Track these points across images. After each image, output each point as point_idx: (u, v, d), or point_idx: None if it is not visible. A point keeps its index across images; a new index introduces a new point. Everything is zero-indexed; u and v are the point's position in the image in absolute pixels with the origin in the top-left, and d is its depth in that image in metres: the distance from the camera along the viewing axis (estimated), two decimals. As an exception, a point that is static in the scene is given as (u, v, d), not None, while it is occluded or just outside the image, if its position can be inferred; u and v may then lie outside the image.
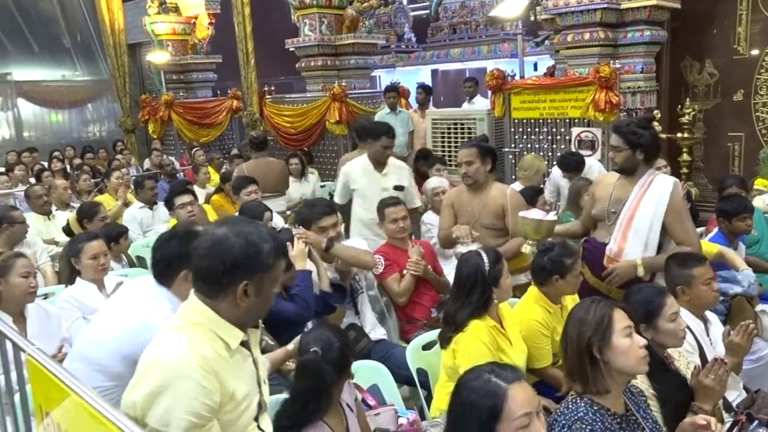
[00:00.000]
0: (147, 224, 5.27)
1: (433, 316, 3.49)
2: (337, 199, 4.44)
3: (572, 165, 4.82)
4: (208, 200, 5.96)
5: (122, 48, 10.41)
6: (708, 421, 1.90)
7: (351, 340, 2.63)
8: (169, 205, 4.50)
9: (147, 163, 9.02)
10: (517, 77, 6.41)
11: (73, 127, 11.97)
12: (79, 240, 3.21)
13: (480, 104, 7.56)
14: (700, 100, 5.96)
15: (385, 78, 11.93)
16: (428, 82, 11.02)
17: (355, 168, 4.32)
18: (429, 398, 2.74)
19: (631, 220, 2.96)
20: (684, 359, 2.32)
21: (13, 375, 2.05)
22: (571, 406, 1.84)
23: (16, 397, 2.08)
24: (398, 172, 4.35)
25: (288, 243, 2.82)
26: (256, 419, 1.73)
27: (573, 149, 5.65)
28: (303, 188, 6.57)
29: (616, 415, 1.85)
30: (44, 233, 4.76)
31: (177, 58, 10.26)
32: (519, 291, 3.14)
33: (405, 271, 3.48)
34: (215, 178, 7.20)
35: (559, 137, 5.95)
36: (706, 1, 5.81)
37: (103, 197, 5.91)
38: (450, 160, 6.50)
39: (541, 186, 4.96)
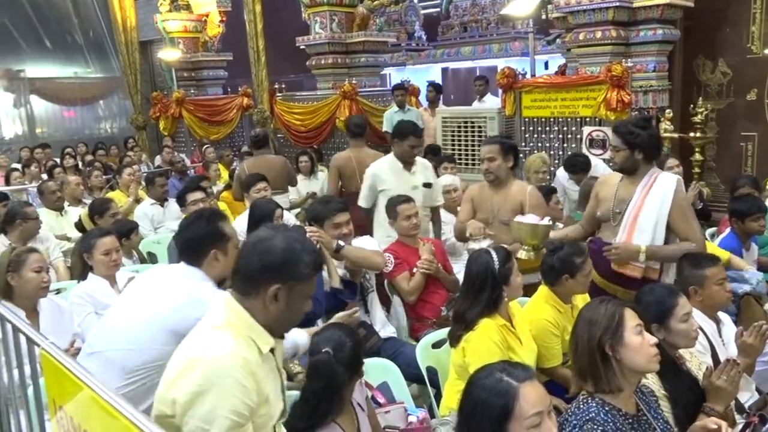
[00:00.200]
0: (158, 221, 5.30)
1: (443, 315, 3.48)
2: (362, 203, 4.35)
3: (579, 166, 4.81)
4: (218, 197, 5.99)
5: (134, 45, 10.47)
6: (719, 425, 1.89)
7: (361, 337, 2.63)
8: (181, 201, 4.52)
9: (158, 160, 9.07)
10: (528, 76, 6.39)
11: (85, 124, 12.05)
12: (92, 236, 3.23)
13: (490, 103, 7.54)
14: (713, 99, 5.92)
15: (395, 76, 11.92)
16: (438, 80, 11.00)
17: (383, 168, 4.28)
18: (438, 396, 2.74)
19: (636, 219, 2.96)
20: (696, 360, 2.31)
21: (27, 369, 2.07)
22: (582, 406, 1.84)
23: (30, 391, 2.10)
24: (424, 170, 4.34)
25: None
26: (273, 426, 1.75)
27: (584, 148, 5.62)
28: (312, 185, 6.58)
29: (628, 416, 1.84)
30: (56, 229, 4.79)
31: (188, 55, 10.30)
32: (532, 290, 3.12)
33: (415, 270, 3.47)
34: (225, 175, 7.23)
35: (570, 136, 5.93)
36: (719, 0, 5.76)
37: (115, 193, 5.95)
38: (459, 159, 6.49)
39: (552, 185, 4.94)
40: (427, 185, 4.25)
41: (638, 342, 1.83)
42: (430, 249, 3.51)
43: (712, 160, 6.01)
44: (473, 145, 6.50)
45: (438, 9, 12.54)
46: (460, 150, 6.64)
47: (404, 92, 7.50)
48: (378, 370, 2.59)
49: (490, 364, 1.60)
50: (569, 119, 5.90)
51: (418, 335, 3.27)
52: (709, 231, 4.57)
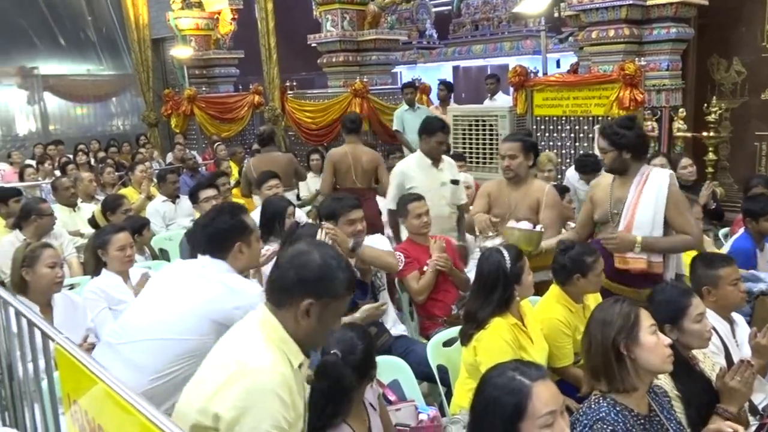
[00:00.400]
0: (169, 217, 5.33)
1: (454, 313, 3.48)
2: (390, 205, 4.29)
3: (589, 166, 4.80)
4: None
5: (146, 43, 10.52)
6: (735, 429, 1.88)
7: (374, 339, 2.63)
8: (194, 198, 4.55)
9: (169, 157, 9.12)
10: (540, 74, 6.36)
11: (97, 121, 12.14)
12: (106, 232, 3.26)
13: (502, 101, 7.52)
14: (727, 98, 5.87)
15: (406, 74, 11.91)
16: (449, 78, 10.98)
17: (411, 166, 4.26)
18: (448, 395, 2.74)
19: (633, 216, 2.97)
20: (709, 361, 2.30)
21: (41, 363, 2.09)
22: (593, 405, 1.83)
23: (44, 384, 2.12)
24: (450, 167, 4.33)
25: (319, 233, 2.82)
26: None
27: (596, 147, 5.59)
28: (323, 183, 6.59)
29: (639, 416, 1.83)
30: (69, 225, 4.83)
31: (200, 53, 10.35)
32: (542, 288, 3.11)
33: (426, 268, 3.46)
34: (236, 172, 7.25)
35: (581, 135, 5.90)
36: (734, -2, 5.73)
37: (127, 190, 5.99)
38: (471, 157, 6.47)
39: (564, 184, 4.93)
40: (454, 182, 4.23)
41: (653, 342, 1.83)
42: (441, 246, 3.51)
43: (726, 160, 5.96)
44: (484, 144, 6.49)
45: (449, 7, 12.51)
46: (471, 148, 6.62)
47: (413, 90, 7.49)
48: (389, 368, 2.59)
49: (503, 363, 1.60)
50: (581, 118, 5.87)
51: (429, 333, 3.27)
52: (723, 231, 4.54)
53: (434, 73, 11.77)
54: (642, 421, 1.83)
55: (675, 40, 5.59)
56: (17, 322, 2.18)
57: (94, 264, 3.26)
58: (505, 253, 2.52)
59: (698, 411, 2.05)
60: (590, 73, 5.90)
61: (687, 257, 3.05)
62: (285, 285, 1.69)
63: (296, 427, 1.67)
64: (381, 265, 3.28)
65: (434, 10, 12.92)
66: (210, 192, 4.54)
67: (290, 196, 5.54)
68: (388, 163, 6.30)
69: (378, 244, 3.38)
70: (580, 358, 2.70)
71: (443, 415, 2.57)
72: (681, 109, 5.61)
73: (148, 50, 10.56)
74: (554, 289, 2.82)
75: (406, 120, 7.43)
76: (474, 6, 11.71)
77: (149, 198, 5.67)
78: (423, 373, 2.80)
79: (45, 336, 1.97)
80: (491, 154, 6.36)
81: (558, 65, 9.80)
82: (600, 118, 5.69)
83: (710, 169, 5.70)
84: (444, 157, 4.33)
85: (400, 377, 2.60)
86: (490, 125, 6.48)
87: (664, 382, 2.05)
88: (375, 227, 4.36)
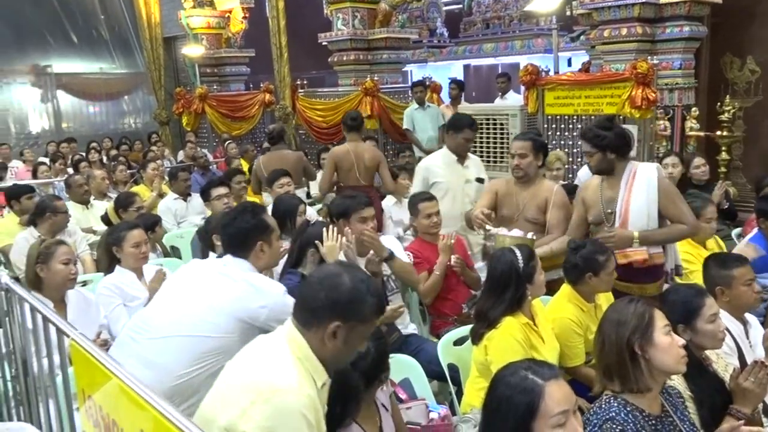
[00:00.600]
0: (181, 215, 5.36)
1: (464, 312, 3.47)
2: None
3: None
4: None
5: (158, 41, 10.57)
6: (750, 431, 1.87)
7: (388, 344, 2.63)
8: (205, 196, 4.58)
9: (181, 155, 9.16)
10: (551, 73, 6.34)
11: (109, 119, 12.21)
12: (120, 229, 3.28)
13: (513, 100, 7.50)
14: (741, 97, 5.82)
15: (416, 73, 11.91)
16: (460, 77, 10.97)
17: (437, 162, 4.25)
18: (459, 394, 2.74)
19: (628, 213, 3.01)
20: (722, 361, 2.28)
21: (56, 358, 2.11)
22: (603, 405, 1.83)
23: (58, 380, 2.14)
24: (476, 165, 4.32)
25: (324, 232, 2.81)
26: None
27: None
28: (334, 181, 6.59)
29: (651, 417, 1.83)
30: (82, 222, 4.87)
31: (211, 51, 10.38)
32: (553, 287, 3.10)
33: (435, 268, 3.45)
34: (248, 170, 7.27)
35: (593, 134, 5.86)
36: (748, -4, 5.67)
37: (139, 188, 6.03)
38: (481, 156, 6.46)
39: (575, 183, 4.90)
40: (480, 180, 4.20)
41: (668, 342, 1.82)
42: (448, 246, 3.46)
43: (739, 160, 5.90)
44: (495, 142, 6.47)
45: (460, 5, 12.50)
46: (481, 147, 6.60)
47: (423, 89, 7.49)
48: (400, 366, 2.59)
49: (516, 362, 1.60)
50: (593, 117, 5.82)
51: (439, 332, 3.27)
52: (735, 231, 4.51)
53: (445, 71, 11.77)
54: (653, 421, 1.82)
55: (688, 38, 5.54)
56: (32, 318, 2.20)
57: (107, 261, 3.29)
58: (518, 253, 2.51)
59: (711, 412, 2.04)
60: (602, 72, 5.86)
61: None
62: (313, 306, 1.69)
63: None
64: (405, 280, 3.31)
65: (445, 8, 12.91)
66: (221, 190, 4.57)
67: (299, 194, 5.57)
68: (397, 162, 6.33)
69: (391, 245, 3.38)
70: (591, 358, 2.69)
71: (453, 413, 2.57)
72: (694, 108, 5.57)
73: (159, 49, 10.61)
74: (566, 288, 2.81)
75: (416, 119, 7.44)
76: (485, 4, 11.69)
77: (161, 196, 5.71)
78: (433, 371, 2.81)
79: (60, 332, 1.99)
80: (502, 152, 6.34)
81: (569, 64, 9.77)
82: (612, 117, 5.66)
83: (723, 169, 5.66)
84: (470, 155, 4.31)
85: (411, 376, 2.60)
86: (501, 124, 6.47)
87: (677, 382, 2.04)
88: (378, 225, 4.37)
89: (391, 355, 2.57)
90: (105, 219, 4.51)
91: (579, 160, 5.84)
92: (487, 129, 6.61)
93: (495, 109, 6.86)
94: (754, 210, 3.84)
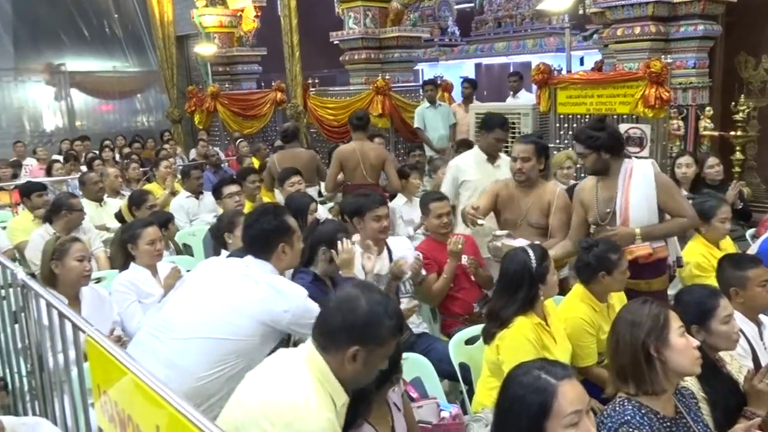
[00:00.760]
0: (193, 213, 5.39)
1: (475, 311, 3.47)
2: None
3: None
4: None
5: (171, 40, 10.62)
6: None
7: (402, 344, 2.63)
8: (217, 194, 4.60)
9: (192, 154, 9.21)
10: (564, 72, 6.31)
11: (122, 117, 12.30)
12: (135, 226, 3.31)
13: (525, 99, 7.47)
14: (755, 96, 5.77)
15: (428, 72, 11.90)
16: (471, 76, 10.94)
17: (467, 161, 4.23)
18: (470, 393, 2.73)
19: (628, 210, 3.04)
20: (736, 363, 2.27)
21: (71, 354, 2.13)
22: (618, 408, 1.81)
23: (73, 375, 2.16)
24: (508, 165, 4.15)
25: (339, 243, 2.81)
26: None
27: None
28: (345, 181, 6.60)
29: (666, 419, 1.82)
30: (96, 219, 4.90)
31: (223, 50, 10.42)
32: (561, 286, 3.09)
33: (444, 271, 3.44)
34: (259, 168, 7.30)
35: (606, 133, 5.83)
36: (763, -5, 5.62)
37: (152, 186, 6.06)
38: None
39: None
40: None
41: (683, 344, 1.81)
42: (456, 251, 3.44)
43: (753, 159, 5.85)
44: (507, 142, 6.44)
45: (472, 4, 12.48)
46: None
47: (434, 87, 7.49)
48: (411, 365, 2.59)
49: (529, 362, 1.59)
50: (605, 116, 5.80)
51: (450, 332, 3.26)
52: (750, 232, 4.47)
53: (456, 70, 11.74)
54: (668, 423, 1.81)
55: (702, 37, 5.50)
56: (48, 313, 2.22)
57: (122, 258, 3.32)
58: (531, 253, 2.50)
59: (725, 414, 2.02)
60: (615, 71, 5.83)
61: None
62: (331, 330, 1.69)
63: None
64: (430, 296, 3.31)
65: (456, 7, 12.89)
66: (233, 188, 4.59)
67: (312, 192, 5.60)
68: (408, 161, 6.33)
69: (402, 246, 3.38)
70: (604, 358, 2.68)
71: (465, 413, 2.57)
72: (708, 108, 5.53)
73: (172, 47, 10.66)
74: (578, 288, 2.80)
75: (427, 117, 7.43)
76: (497, 3, 11.66)
77: (173, 194, 5.75)
78: (444, 371, 2.80)
79: (75, 328, 2.01)
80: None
81: (581, 63, 9.73)
82: (625, 117, 5.63)
83: (737, 169, 5.61)
84: (503, 155, 4.25)
85: (422, 375, 2.61)
86: (513, 123, 6.43)
87: (691, 383, 2.03)
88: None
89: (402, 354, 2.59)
90: (119, 216, 4.54)
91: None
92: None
93: (507, 108, 6.83)
94: (768, 210, 3.81)
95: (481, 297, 3.57)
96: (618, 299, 2.84)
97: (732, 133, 5.55)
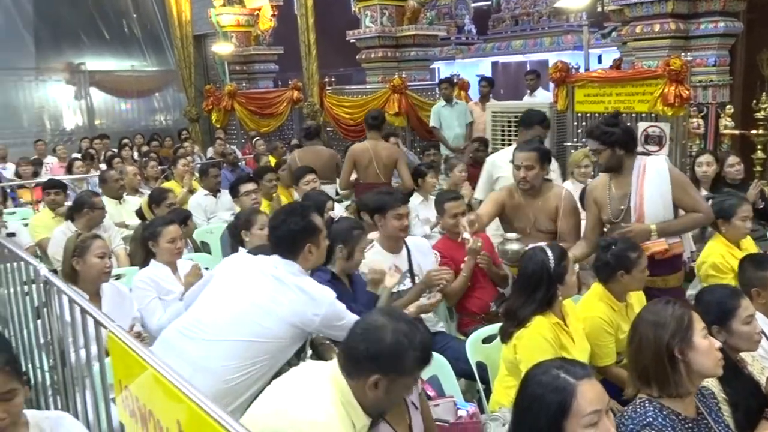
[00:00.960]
0: (211, 211, 5.43)
1: (492, 310, 3.46)
2: (479, 195, 4.27)
3: None
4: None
5: (188, 39, 10.70)
6: None
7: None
8: (234, 192, 4.63)
9: (210, 152, 9.27)
10: (582, 70, 6.26)
11: (140, 116, 12.42)
12: (156, 224, 3.34)
13: (542, 97, 7.43)
14: (777, 94, 5.69)
15: (444, 70, 11.88)
16: (488, 74, 10.91)
17: (503, 157, 4.16)
18: (487, 392, 2.73)
19: (643, 207, 3.04)
20: (758, 364, 2.24)
21: (93, 349, 2.16)
22: (639, 410, 1.79)
23: (95, 370, 2.19)
24: None
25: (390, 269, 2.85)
26: None
27: (639, 145, 5.48)
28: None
29: (687, 420, 1.80)
30: (115, 216, 4.96)
31: (240, 49, 10.47)
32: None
33: (462, 270, 3.43)
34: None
35: (624, 132, 5.78)
36: (786, -9, 5.55)
37: (170, 184, 6.12)
38: (510, 154, 6.41)
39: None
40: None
41: (707, 345, 1.79)
42: (474, 248, 3.44)
43: (775, 158, 5.77)
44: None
45: (489, 2, 12.42)
46: (510, 144, 6.54)
47: (450, 86, 7.47)
48: (428, 363, 2.59)
49: (547, 361, 1.59)
50: (624, 115, 5.74)
51: (467, 330, 3.26)
52: (771, 232, 4.41)
53: (472, 69, 11.71)
54: (690, 424, 1.79)
55: (723, 34, 5.44)
56: (70, 309, 2.25)
57: (143, 254, 3.35)
58: (549, 253, 2.48)
59: (746, 415, 2.00)
60: (634, 69, 5.78)
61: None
62: (355, 357, 1.70)
63: None
64: (448, 295, 3.30)
65: (473, 5, 12.86)
66: (249, 186, 4.62)
67: (330, 189, 5.65)
68: (423, 160, 6.34)
69: (421, 246, 3.38)
70: (622, 358, 2.66)
71: (482, 412, 2.56)
72: (728, 106, 5.46)
73: (190, 46, 10.74)
74: (597, 287, 2.78)
75: (443, 116, 7.42)
76: (514, 1, 11.61)
77: (191, 191, 5.80)
78: (461, 369, 2.80)
79: (97, 323, 2.03)
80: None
81: (599, 61, 9.65)
82: (643, 115, 5.58)
83: (758, 168, 5.53)
84: None
85: (439, 373, 2.60)
86: (530, 121, 6.40)
87: (712, 384, 2.00)
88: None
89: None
90: (139, 213, 4.60)
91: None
92: (516, 126, 6.56)
93: (525, 106, 6.79)
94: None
95: (497, 296, 3.56)
96: (637, 298, 2.82)
97: (753, 131, 5.48)
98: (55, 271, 2.97)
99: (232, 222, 3.74)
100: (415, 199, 5.14)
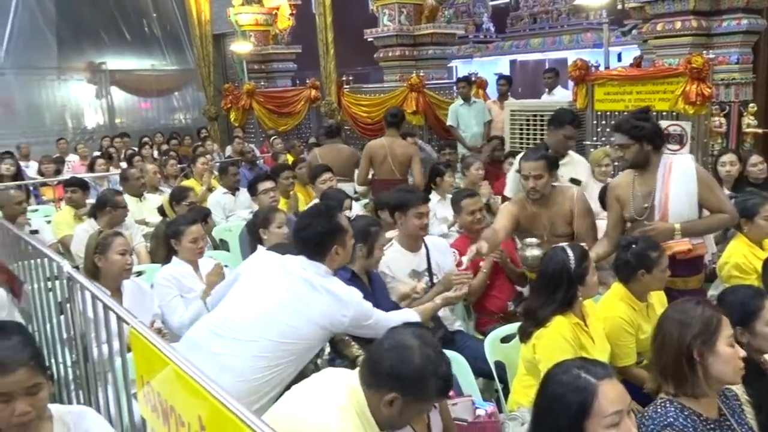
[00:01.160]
0: (229, 209, 5.48)
1: (510, 310, 3.45)
2: (507, 193, 4.22)
3: None
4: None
5: (208, 38, 10.77)
6: None
7: (428, 329, 2.64)
8: (252, 190, 4.66)
9: (228, 150, 9.33)
10: (602, 68, 6.21)
11: (160, 115, 12.53)
12: (179, 223, 3.37)
13: (560, 96, 7.37)
14: (802, 92, 5.60)
15: (462, 68, 11.84)
16: (506, 72, 10.85)
17: None
18: (505, 392, 2.72)
19: (667, 205, 2.99)
20: (782, 366, 2.21)
21: (115, 345, 2.18)
22: (660, 410, 1.78)
23: (117, 365, 2.21)
24: (577, 165, 4.06)
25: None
26: None
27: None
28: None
29: (709, 421, 1.78)
30: (136, 214, 5.02)
31: (259, 48, 10.52)
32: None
33: (482, 264, 3.43)
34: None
35: (644, 130, 5.72)
36: (810, -13, 5.44)
37: (189, 182, 6.17)
38: (528, 153, 6.37)
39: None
40: (575, 182, 3.90)
41: (730, 353, 1.76)
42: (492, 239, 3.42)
43: (799, 158, 5.67)
44: (542, 139, 6.38)
45: (507, 0, 12.35)
46: (528, 143, 6.52)
47: (467, 85, 7.44)
48: (447, 361, 2.58)
49: (568, 360, 1.58)
50: (648, 107, 5.67)
51: (485, 329, 3.25)
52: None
53: (490, 67, 11.66)
54: (711, 426, 1.77)
55: (746, 32, 5.35)
56: (93, 305, 2.27)
57: (165, 251, 3.39)
58: (570, 253, 2.46)
59: (770, 417, 1.97)
60: (655, 67, 5.72)
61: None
62: (378, 372, 1.71)
63: None
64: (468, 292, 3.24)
65: (492, 3, 12.80)
66: (268, 184, 4.64)
67: (349, 187, 5.68)
68: (439, 160, 6.33)
69: (440, 245, 3.38)
70: (643, 359, 2.64)
71: (500, 411, 2.56)
72: (751, 104, 5.38)
73: (209, 46, 10.81)
74: (617, 287, 2.75)
75: (461, 115, 7.40)
76: (533, -1, 11.53)
77: (209, 190, 5.85)
78: (479, 368, 2.79)
79: (120, 319, 2.05)
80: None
81: (619, 59, 9.55)
82: (664, 114, 5.52)
83: (782, 167, 5.45)
84: (574, 154, 4.10)
85: (457, 372, 2.59)
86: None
87: (735, 386, 1.98)
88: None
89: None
90: (161, 210, 4.66)
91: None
92: (535, 125, 6.53)
93: (543, 105, 6.76)
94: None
95: (515, 295, 3.55)
96: (657, 298, 2.79)
97: (777, 130, 5.40)
98: (77, 268, 3.02)
99: (251, 220, 3.76)
100: (433, 198, 5.14)
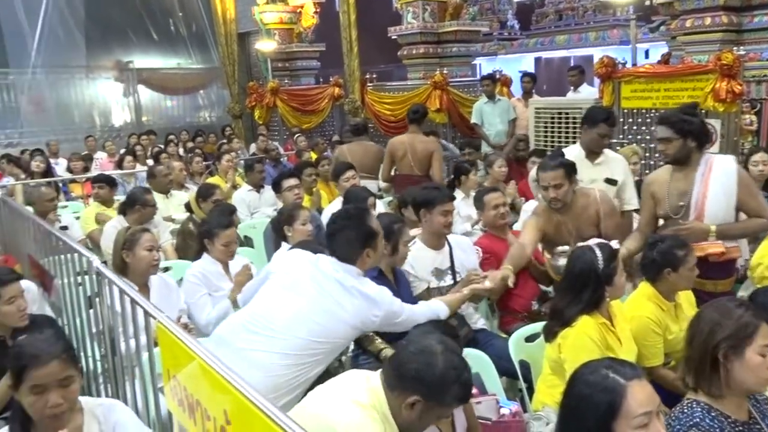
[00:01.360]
0: (254, 206, 5.52)
1: (534, 309, 3.42)
2: (535, 190, 4.12)
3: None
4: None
5: (232, 37, 10.85)
6: None
7: (452, 327, 2.63)
8: (277, 188, 4.69)
9: (252, 148, 9.39)
10: (629, 65, 6.12)
11: (185, 113, 12.68)
12: (214, 225, 3.38)
13: (586, 93, 7.29)
14: (836, 89, 5.46)
15: (486, 66, 11.77)
16: (531, 70, 10.77)
17: (569, 155, 3.99)
18: (529, 391, 2.70)
19: (704, 205, 2.93)
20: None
21: (143, 339, 2.22)
22: (686, 410, 1.75)
23: (144, 360, 2.25)
24: (612, 164, 3.85)
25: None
26: None
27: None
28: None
29: (737, 423, 1.74)
30: (163, 210, 5.07)
31: (283, 46, 10.59)
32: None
33: (505, 261, 3.40)
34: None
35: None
36: None
37: (214, 179, 6.23)
38: (553, 152, 6.32)
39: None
40: (611, 182, 3.74)
41: (758, 362, 1.70)
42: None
43: (832, 157, 5.53)
44: (567, 137, 6.32)
45: (532, -3, 12.25)
46: (553, 141, 6.47)
47: (491, 82, 7.39)
48: (471, 361, 2.51)
49: (596, 360, 1.56)
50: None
51: (509, 329, 3.23)
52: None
53: (515, 64, 11.58)
54: (740, 428, 1.73)
55: (778, 27, 5.25)
56: (121, 300, 2.31)
57: (197, 247, 3.44)
58: (598, 253, 2.42)
59: (802, 422, 1.93)
60: (683, 64, 5.62)
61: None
62: (402, 374, 1.74)
63: None
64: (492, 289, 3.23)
65: (516, 0, 12.69)
66: (292, 181, 4.67)
67: (373, 185, 5.71)
68: (459, 159, 6.31)
69: (463, 244, 3.36)
70: (671, 360, 2.60)
71: (524, 410, 2.54)
72: (783, 102, 5.27)
73: (234, 44, 10.89)
74: (645, 286, 2.71)
75: (485, 112, 7.35)
76: (558, -5, 11.42)
77: (234, 187, 5.90)
78: (503, 367, 2.77)
79: (147, 314, 2.08)
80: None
81: (647, 56, 9.43)
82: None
83: (814, 167, 5.32)
84: (610, 152, 3.96)
85: (482, 371, 2.58)
86: (574, 118, 6.29)
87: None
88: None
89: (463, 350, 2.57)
90: (188, 207, 4.72)
91: (656, 155, 5.62)
92: (559, 123, 6.47)
93: (569, 102, 6.69)
94: None
95: (539, 294, 3.52)
96: (686, 298, 2.74)
97: (810, 128, 5.28)
98: (106, 263, 3.07)
99: (275, 217, 3.79)
100: (457, 196, 5.13)
